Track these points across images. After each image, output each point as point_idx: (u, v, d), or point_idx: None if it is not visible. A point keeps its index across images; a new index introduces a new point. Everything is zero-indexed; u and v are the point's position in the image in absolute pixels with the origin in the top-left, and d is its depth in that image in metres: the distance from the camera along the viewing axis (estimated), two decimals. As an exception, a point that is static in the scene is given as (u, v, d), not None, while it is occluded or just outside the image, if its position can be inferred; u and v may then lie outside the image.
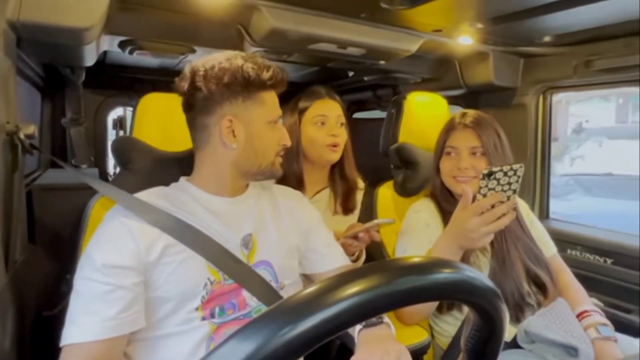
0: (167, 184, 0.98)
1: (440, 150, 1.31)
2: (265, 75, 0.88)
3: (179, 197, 0.91)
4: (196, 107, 0.90)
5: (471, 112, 1.30)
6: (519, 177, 0.98)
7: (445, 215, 1.27)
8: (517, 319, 1.18)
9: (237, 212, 0.94)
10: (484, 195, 0.99)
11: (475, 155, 1.24)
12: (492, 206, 0.99)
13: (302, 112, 1.41)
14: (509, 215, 1.00)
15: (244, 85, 0.87)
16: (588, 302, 1.23)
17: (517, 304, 1.19)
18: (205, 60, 0.90)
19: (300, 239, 1.03)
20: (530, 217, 1.37)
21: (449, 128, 1.30)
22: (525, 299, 1.20)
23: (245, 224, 0.94)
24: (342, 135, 1.42)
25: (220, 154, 0.91)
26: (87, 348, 0.74)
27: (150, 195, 0.89)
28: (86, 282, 0.78)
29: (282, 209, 1.03)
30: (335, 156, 1.41)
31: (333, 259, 1.06)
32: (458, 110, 1.40)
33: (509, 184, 0.98)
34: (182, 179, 0.97)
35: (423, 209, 1.32)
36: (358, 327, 0.86)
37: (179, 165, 1.02)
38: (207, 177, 0.94)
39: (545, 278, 1.22)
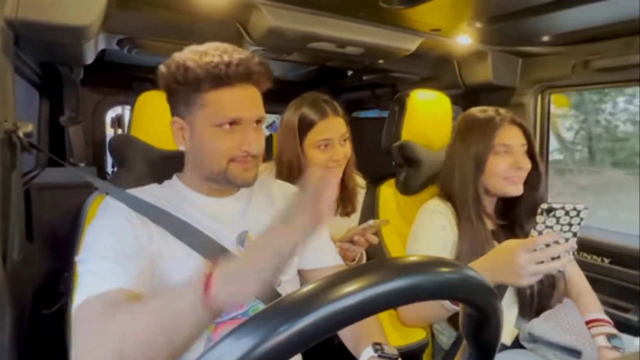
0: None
1: (486, 149, 1.16)
2: (204, 75, 0.79)
3: (170, 196, 0.90)
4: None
5: (502, 110, 1.22)
6: (581, 219, 0.89)
7: (464, 220, 1.18)
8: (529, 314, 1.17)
9: (229, 212, 0.93)
10: (540, 233, 0.90)
11: (524, 155, 1.17)
12: (547, 245, 0.88)
13: (303, 131, 1.27)
14: (564, 258, 0.89)
15: (184, 87, 0.82)
16: (600, 310, 1.20)
17: (530, 301, 1.17)
18: (181, 53, 0.84)
19: None
20: None
21: (493, 126, 1.16)
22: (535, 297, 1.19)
23: (240, 222, 0.92)
24: (346, 152, 1.31)
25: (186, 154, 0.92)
26: (115, 292, 0.68)
27: (141, 194, 0.87)
28: (93, 263, 0.73)
29: (278, 205, 1.02)
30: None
31: (329, 257, 1.06)
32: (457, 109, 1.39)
33: (570, 224, 0.90)
34: (175, 177, 0.96)
35: (437, 210, 1.23)
36: (370, 352, 0.85)
37: (177, 164, 1.01)
38: (190, 176, 0.93)
39: (557, 280, 1.21)
